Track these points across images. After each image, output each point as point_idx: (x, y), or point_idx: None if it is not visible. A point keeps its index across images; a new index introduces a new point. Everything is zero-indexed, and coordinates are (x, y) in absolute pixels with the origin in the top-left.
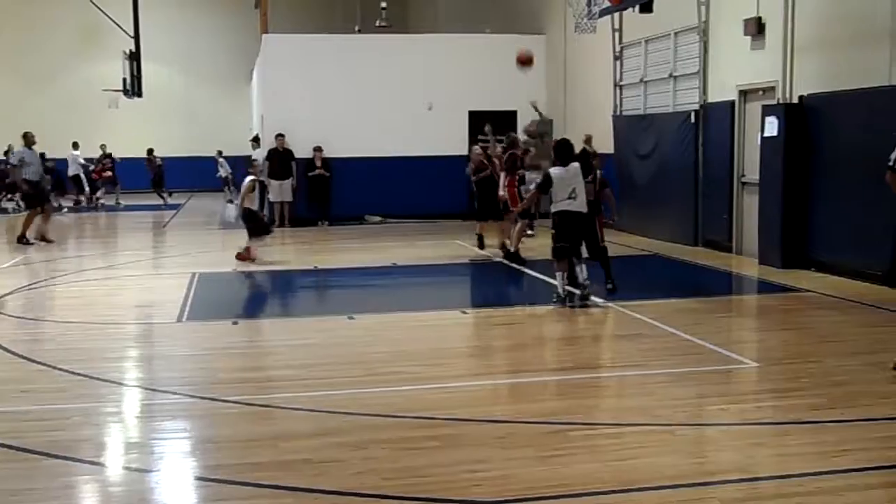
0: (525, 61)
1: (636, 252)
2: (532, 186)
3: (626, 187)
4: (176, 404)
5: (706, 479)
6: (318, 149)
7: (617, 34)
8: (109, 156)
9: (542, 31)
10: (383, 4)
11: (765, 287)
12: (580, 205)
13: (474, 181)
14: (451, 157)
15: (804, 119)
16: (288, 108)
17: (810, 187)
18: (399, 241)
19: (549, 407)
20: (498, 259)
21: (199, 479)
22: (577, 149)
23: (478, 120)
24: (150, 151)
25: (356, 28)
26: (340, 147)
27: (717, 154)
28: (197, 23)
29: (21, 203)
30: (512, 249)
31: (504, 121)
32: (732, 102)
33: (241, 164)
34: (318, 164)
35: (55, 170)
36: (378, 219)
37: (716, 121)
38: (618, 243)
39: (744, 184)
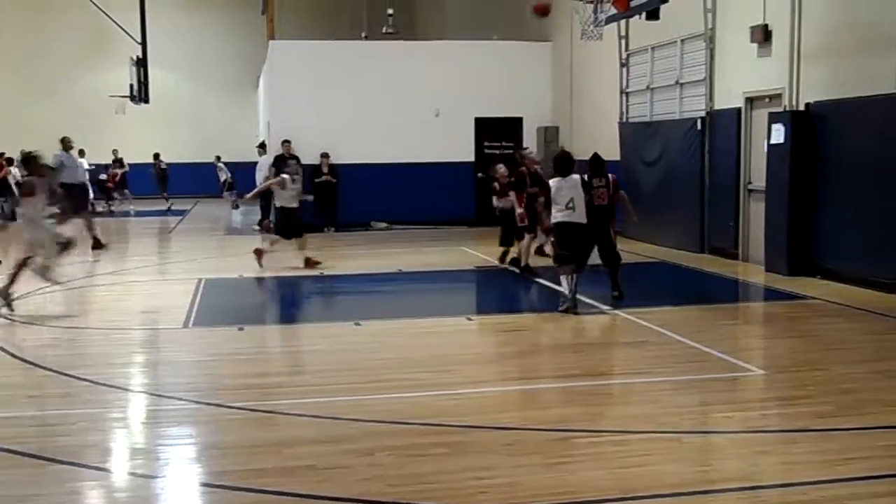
0: (542, 10)
1: (642, 259)
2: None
3: (633, 194)
4: (181, 410)
5: (711, 486)
6: (325, 155)
7: (623, 41)
8: (120, 161)
9: (548, 38)
10: (390, 11)
11: (771, 294)
12: (579, 216)
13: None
14: (457, 163)
15: (811, 126)
16: (294, 115)
17: (817, 195)
18: (405, 247)
19: (555, 414)
20: (502, 266)
21: (204, 485)
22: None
23: (484, 127)
24: (156, 156)
25: (363, 34)
26: (347, 153)
27: (723, 161)
28: (204, 29)
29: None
30: (522, 263)
31: (510, 127)
32: (739, 110)
33: (248, 169)
34: (325, 170)
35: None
36: (384, 225)
37: (722, 128)
38: (624, 250)
39: (750, 191)
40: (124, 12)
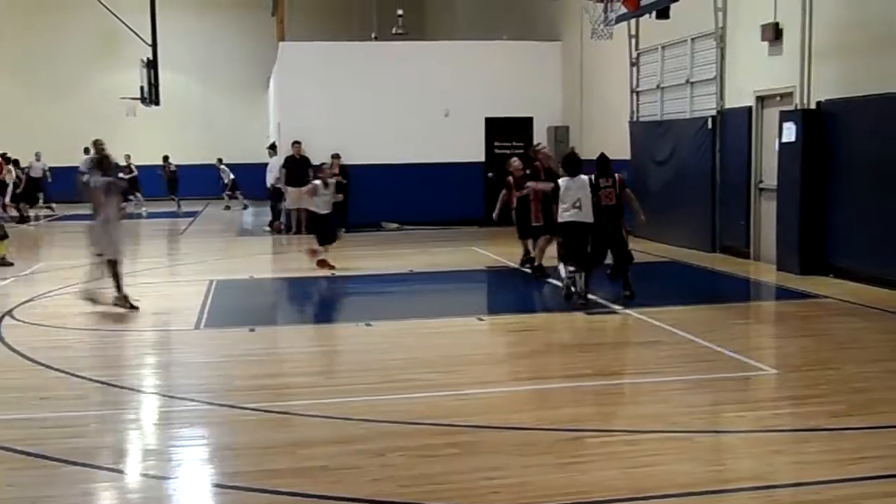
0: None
1: (654, 259)
2: None
3: (643, 193)
4: (194, 411)
5: (722, 486)
6: (335, 156)
7: (633, 40)
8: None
9: (558, 37)
10: (400, 12)
11: (783, 293)
12: (585, 215)
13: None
14: (467, 163)
15: (822, 125)
16: (305, 116)
17: (828, 193)
18: (415, 247)
19: (566, 414)
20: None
21: (217, 486)
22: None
23: (494, 127)
24: (165, 159)
25: (373, 35)
26: (357, 154)
27: (734, 160)
28: (214, 31)
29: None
30: (536, 263)
31: (520, 127)
32: (750, 108)
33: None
34: (337, 171)
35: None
36: (395, 225)
37: (733, 127)
38: (635, 249)
39: (761, 190)
40: (135, 14)
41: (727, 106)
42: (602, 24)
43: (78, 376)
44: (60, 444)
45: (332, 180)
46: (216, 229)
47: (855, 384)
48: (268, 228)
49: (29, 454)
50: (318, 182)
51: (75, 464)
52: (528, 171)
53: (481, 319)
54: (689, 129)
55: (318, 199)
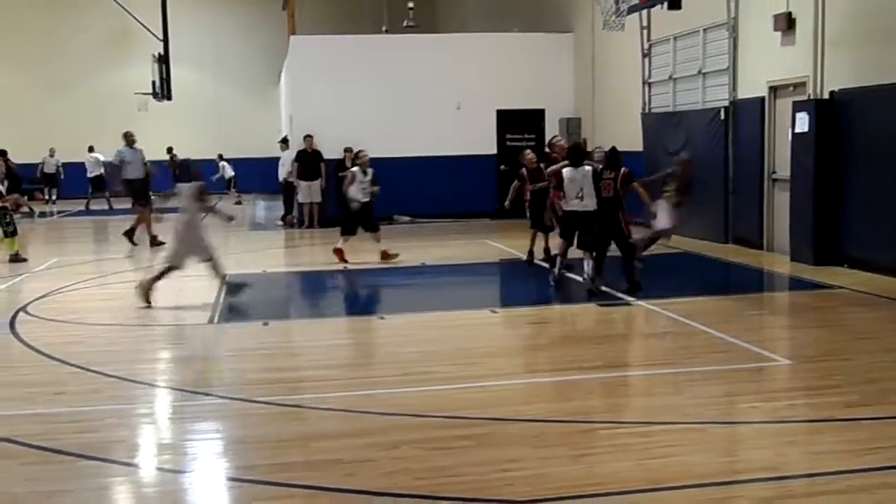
0: None
1: (666, 250)
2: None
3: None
4: (208, 405)
5: (736, 477)
6: (348, 149)
7: (645, 31)
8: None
9: (569, 29)
10: (410, 4)
11: (796, 284)
12: (587, 205)
13: (531, 190)
14: (479, 156)
15: (835, 115)
16: (316, 109)
17: (842, 183)
18: (428, 240)
19: (580, 406)
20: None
21: (231, 479)
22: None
23: (506, 119)
24: (169, 150)
25: (383, 28)
26: (369, 147)
27: (747, 151)
28: (225, 25)
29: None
30: (551, 253)
31: (532, 119)
32: (762, 99)
33: (269, 165)
34: (349, 164)
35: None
36: (407, 219)
37: (746, 117)
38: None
39: (774, 180)
40: (146, 10)
41: (740, 96)
42: (614, 16)
43: (92, 371)
44: (75, 438)
45: (370, 169)
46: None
47: (869, 374)
48: (280, 222)
49: (44, 449)
50: (355, 169)
51: (90, 458)
52: (541, 164)
53: (495, 312)
54: (702, 120)
55: (356, 188)
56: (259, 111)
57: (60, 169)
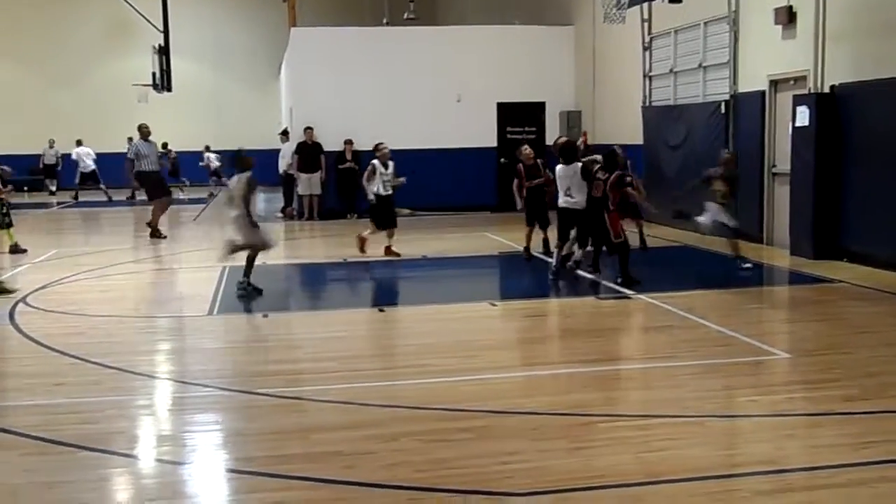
0: None
1: (666, 243)
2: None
3: (656, 178)
4: (207, 397)
5: (735, 470)
6: (348, 142)
7: (646, 24)
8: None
9: (570, 21)
10: None
11: (796, 278)
12: (576, 202)
13: (527, 187)
14: (480, 149)
15: (836, 109)
16: (316, 101)
17: (842, 177)
18: (428, 233)
19: (579, 398)
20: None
21: (231, 471)
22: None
23: (506, 112)
24: (164, 145)
25: (384, 21)
26: (369, 140)
27: (747, 144)
28: (226, 17)
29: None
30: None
31: (533, 112)
32: (763, 92)
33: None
34: (349, 157)
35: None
36: (407, 211)
37: (746, 111)
38: (648, 234)
39: (774, 174)
40: (146, 1)
41: (740, 90)
42: (615, 9)
43: (92, 362)
44: (75, 429)
45: (391, 161)
46: (229, 215)
47: (868, 368)
48: (280, 214)
49: (44, 440)
50: (375, 162)
51: (90, 449)
52: (539, 160)
53: (494, 305)
54: (703, 114)
55: (377, 181)
56: (259, 103)
57: (60, 160)
